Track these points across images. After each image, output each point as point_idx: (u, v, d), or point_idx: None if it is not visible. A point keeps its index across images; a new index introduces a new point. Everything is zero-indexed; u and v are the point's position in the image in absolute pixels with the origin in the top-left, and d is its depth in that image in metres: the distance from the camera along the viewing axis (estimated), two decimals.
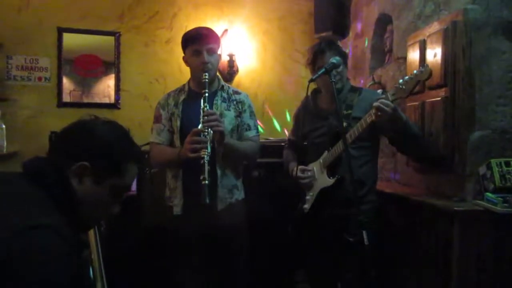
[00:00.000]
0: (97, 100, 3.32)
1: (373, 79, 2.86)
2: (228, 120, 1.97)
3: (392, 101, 1.68)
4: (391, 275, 2.19)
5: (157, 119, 2.04)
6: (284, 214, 2.77)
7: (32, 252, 0.81)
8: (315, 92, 2.17)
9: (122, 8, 3.35)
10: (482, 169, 1.80)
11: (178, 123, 1.96)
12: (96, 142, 1.04)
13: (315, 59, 1.99)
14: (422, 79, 1.66)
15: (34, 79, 3.16)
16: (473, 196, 1.82)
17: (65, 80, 3.24)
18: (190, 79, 2.07)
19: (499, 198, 1.66)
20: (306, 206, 2.02)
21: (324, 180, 1.95)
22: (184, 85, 2.08)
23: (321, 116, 2.06)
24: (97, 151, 1.04)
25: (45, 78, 3.19)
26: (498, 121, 1.85)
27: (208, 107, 1.85)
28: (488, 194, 1.73)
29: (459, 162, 1.87)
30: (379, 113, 1.67)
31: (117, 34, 3.33)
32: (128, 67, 3.35)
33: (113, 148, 1.06)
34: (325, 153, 1.98)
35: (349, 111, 1.95)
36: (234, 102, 2.02)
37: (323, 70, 1.73)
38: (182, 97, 2.02)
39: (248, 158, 2.11)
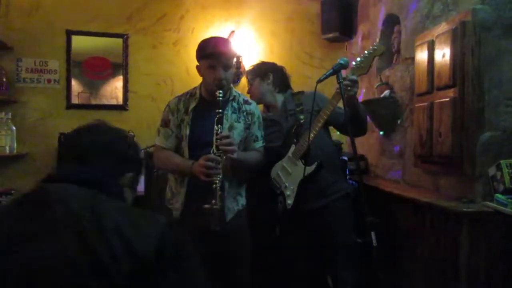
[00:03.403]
0: (105, 101, 3.35)
1: (380, 79, 2.85)
2: (238, 132, 1.94)
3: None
4: (398, 276, 2.18)
5: (166, 123, 2.00)
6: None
7: (183, 242, 0.88)
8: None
9: (130, 10, 3.37)
10: (492, 170, 1.78)
11: (188, 131, 1.92)
12: (136, 153, 1.07)
13: None
14: (377, 55, 1.87)
15: (43, 82, 3.20)
16: (483, 198, 1.81)
17: (73, 82, 3.27)
18: (202, 85, 2.02)
19: (509, 200, 1.65)
20: (289, 202, 2.02)
21: (301, 171, 1.95)
22: (195, 90, 2.02)
23: (270, 119, 2.22)
24: (138, 161, 1.07)
25: (54, 80, 3.23)
26: (508, 122, 1.84)
27: (221, 129, 1.80)
28: (498, 195, 1.72)
29: (468, 163, 1.86)
30: (349, 88, 1.84)
31: (125, 36, 3.35)
32: (136, 69, 3.37)
33: (141, 158, 1.10)
34: (293, 147, 2.07)
35: (301, 107, 2.15)
36: (244, 113, 1.99)
37: (331, 71, 1.72)
38: (192, 104, 1.96)
39: (253, 169, 2.07)
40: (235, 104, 1.99)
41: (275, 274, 2.36)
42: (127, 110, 3.35)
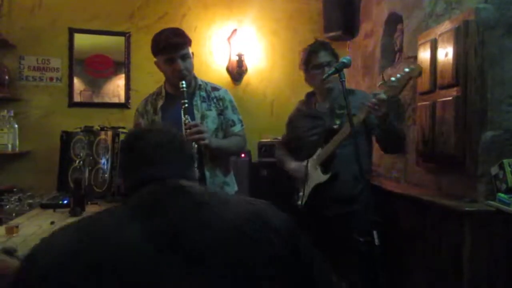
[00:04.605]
0: (107, 99, 3.35)
1: (382, 78, 2.83)
2: (211, 120, 1.93)
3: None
4: (401, 276, 2.18)
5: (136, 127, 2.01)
6: (291, 213, 2.76)
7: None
8: (309, 95, 2.25)
9: (132, 9, 3.37)
10: (494, 170, 1.78)
11: None
12: (190, 147, 1.10)
13: (309, 58, 2.06)
14: (413, 76, 1.72)
15: (45, 80, 3.20)
16: (485, 197, 1.81)
17: (76, 80, 3.27)
18: (165, 82, 2.00)
19: None
20: (300, 202, 2.03)
21: (318, 176, 1.97)
22: (160, 88, 2.02)
23: (316, 116, 2.12)
24: (193, 155, 1.10)
25: (57, 78, 3.23)
26: (510, 121, 1.83)
27: (189, 119, 1.80)
28: (501, 194, 1.71)
29: (470, 163, 1.85)
30: (376, 108, 1.75)
31: (127, 35, 3.35)
32: (138, 67, 3.37)
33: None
34: (319, 150, 2.01)
35: (342, 111, 1.98)
36: (215, 100, 1.98)
37: (333, 70, 1.72)
38: (160, 103, 1.96)
39: (235, 153, 2.10)
40: (202, 93, 1.97)
41: None
42: (129, 108, 3.35)
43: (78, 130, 2.84)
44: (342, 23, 3.37)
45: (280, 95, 3.63)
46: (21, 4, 3.16)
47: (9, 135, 2.94)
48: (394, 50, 2.85)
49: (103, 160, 2.66)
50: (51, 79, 3.21)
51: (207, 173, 1.89)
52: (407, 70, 1.73)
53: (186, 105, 1.81)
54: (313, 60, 2.04)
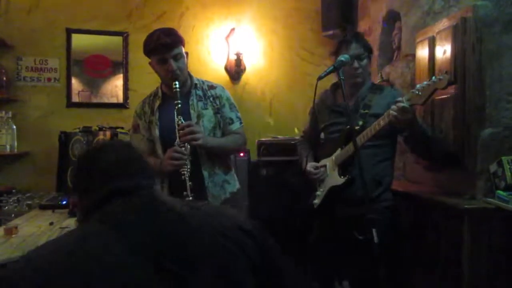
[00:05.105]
0: (105, 100, 3.34)
1: (381, 76, 2.84)
2: (208, 119, 1.92)
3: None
4: (400, 273, 2.18)
5: (135, 129, 2.01)
6: (291, 212, 2.77)
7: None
8: (335, 86, 2.08)
9: (130, 8, 3.37)
10: (493, 167, 1.78)
11: (157, 131, 1.91)
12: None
13: (339, 49, 1.94)
14: (440, 88, 1.59)
15: (43, 80, 3.19)
16: (484, 194, 1.80)
17: (74, 81, 3.27)
18: (161, 83, 2.00)
19: (511, 196, 1.65)
20: (316, 201, 1.99)
21: (335, 178, 1.92)
22: (157, 89, 2.02)
23: (339, 111, 1.99)
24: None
25: (55, 79, 3.22)
26: (509, 118, 1.83)
27: (182, 120, 1.79)
28: (499, 191, 1.71)
29: (469, 160, 1.85)
30: (397, 116, 1.63)
31: (125, 34, 3.35)
32: (136, 67, 3.36)
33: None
34: (338, 151, 1.92)
35: (366, 111, 1.88)
36: (211, 99, 1.96)
37: (331, 68, 1.71)
38: (157, 103, 1.96)
39: (234, 152, 2.07)
40: (199, 92, 1.96)
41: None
42: (127, 108, 3.34)
43: (77, 130, 2.84)
44: (339, 21, 3.37)
45: (278, 94, 3.63)
46: (18, 4, 3.15)
47: (7, 136, 2.94)
48: (392, 48, 2.85)
49: None
50: (49, 79, 3.21)
51: (205, 173, 1.88)
52: (434, 80, 1.59)
53: (179, 105, 1.80)
54: (343, 51, 1.90)
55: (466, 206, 1.73)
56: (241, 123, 2.03)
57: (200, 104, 1.94)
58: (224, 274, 0.81)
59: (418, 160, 2.28)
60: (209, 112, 1.94)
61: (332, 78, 1.84)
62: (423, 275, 2.01)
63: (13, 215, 2.31)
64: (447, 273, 1.82)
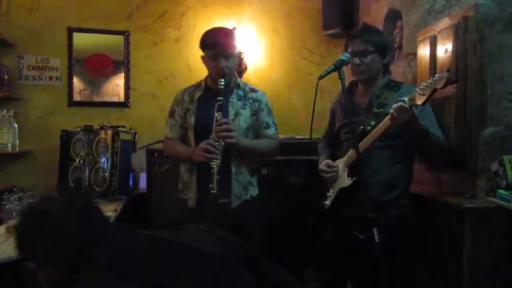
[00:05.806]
0: (106, 99, 3.35)
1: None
2: (244, 119, 1.99)
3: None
4: (402, 272, 2.18)
5: (171, 113, 2.09)
6: (293, 212, 2.76)
7: None
8: (352, 85, 2.02)
9: (131, 8, 3.37)
10: (494, 166, 1.78)
11: (193, 120, 1.99)
12: None
13: (347, 44, 1.91)
14: (439, 87, 1.50)
15: (45, 79, 3.20)
16: (485, 193, 1.80)
17: (75, 79, 3.27)
18: (208, 76, 2.07)
19: None
20: (327, 202, 1.98)
21: (344, 180, 1.88)
22: (201, 81, 2.09)
23: (352, 111, 1.83)
24: None
25: (56, 78, 3.23)
26: (510, 117, 1.83)
27: (221, 116, 1.87)
28: (501, 191, 1.71)
29: (470, 159, 1.85)
30: (395, 116, 1.57)
31: (126, 33, 3.35)
32: (137, 66, 3.37)
33: None
34: (350, 151, 1.85)
35: (381, 110, 1.77)
36: (251, 100, 2.04)
37: (332, 67, 1.69)
38: (198, 94, 2.03)
39: (266, 156, 2.19)
40: (240, 92, 2.04)
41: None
42: (128, 107, 3.35)
43: (78, 129, 2.85)
44: (341, 21, 3.37)
45: (280, 93, 3.62)
46: (20, 3, 3.16)
47: (9, 135, 2.95)
48: (393, 47, 2.84)
49: (103, 159, 2.67)
50: (51, 78, 3.21)
51: (233, 169, 1.94)
52: (434, 78, 1.51)
53: (221, 102, 1.89)
54: (349, 47, 1.86)
55: (467, 205, 1.73)
56: (276, 129, 2.10)
57: (240, 103, 2.01)
58: None
59: (419, 159, 2.27)
60: (246, 112, 2.01)
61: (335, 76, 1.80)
62: (424, 274, 2.01)
63: (14, 213, 2.31)
64: (448, 271, 1.82)
